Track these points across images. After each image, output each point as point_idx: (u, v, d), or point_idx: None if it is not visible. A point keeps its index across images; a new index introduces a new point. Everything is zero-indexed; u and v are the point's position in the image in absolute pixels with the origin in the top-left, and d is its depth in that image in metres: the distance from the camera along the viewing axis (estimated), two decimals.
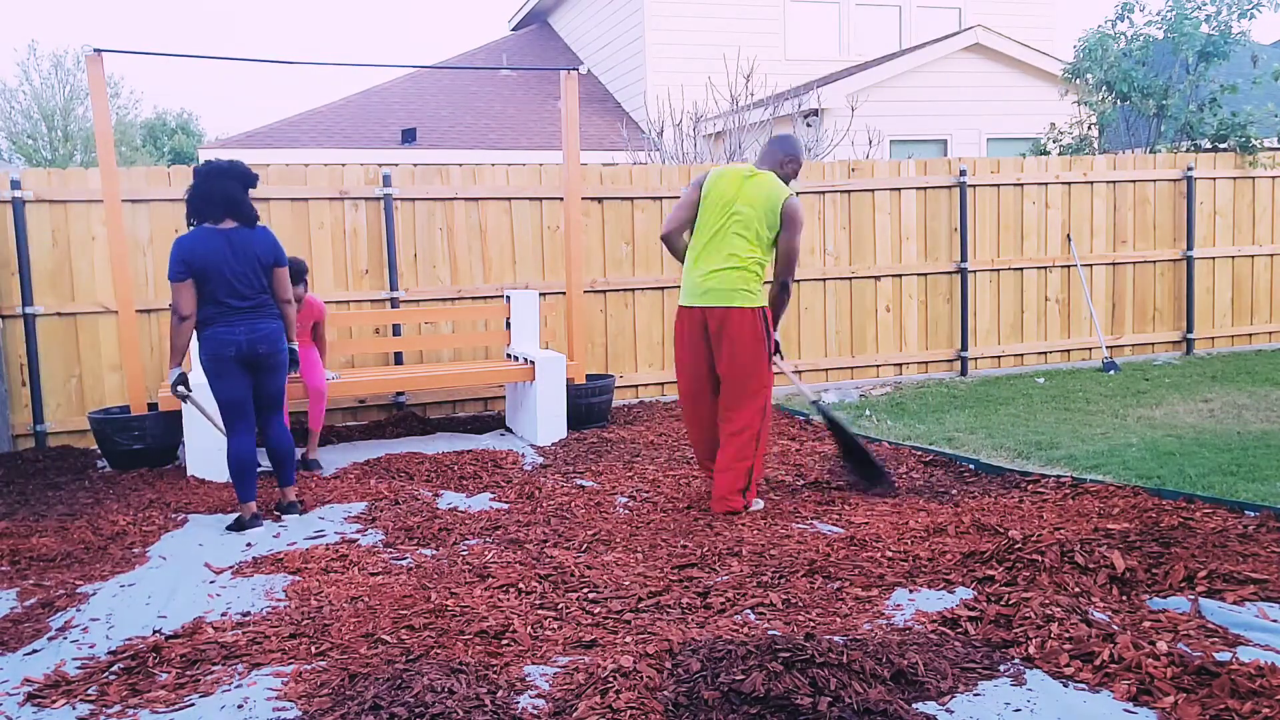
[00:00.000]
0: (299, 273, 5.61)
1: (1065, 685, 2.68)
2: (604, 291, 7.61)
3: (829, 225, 8.17)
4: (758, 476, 4.63)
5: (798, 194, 7.99)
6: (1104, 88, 10.58)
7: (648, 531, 4.29)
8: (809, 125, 11.94)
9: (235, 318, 4.57)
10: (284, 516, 4.76)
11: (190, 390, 4.74)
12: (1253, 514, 4.11)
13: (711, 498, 4.61)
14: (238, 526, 4.60)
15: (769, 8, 14.90)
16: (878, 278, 8.33)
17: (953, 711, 2.56)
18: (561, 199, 7.23)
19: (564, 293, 7.26)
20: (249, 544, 4.36)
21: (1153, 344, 9.21)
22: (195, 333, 4.59)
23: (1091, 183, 8.87)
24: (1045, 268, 8.78)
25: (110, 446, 5.85)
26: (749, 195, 4.54)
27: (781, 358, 4.77)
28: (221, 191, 4.63)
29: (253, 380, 4.67)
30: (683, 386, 4.78)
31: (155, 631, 3.29)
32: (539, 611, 3.34)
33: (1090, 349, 8.95)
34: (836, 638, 2.96)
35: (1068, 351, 8.93)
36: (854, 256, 8.26)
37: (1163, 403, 6.99)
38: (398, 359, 7.10)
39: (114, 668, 2.99)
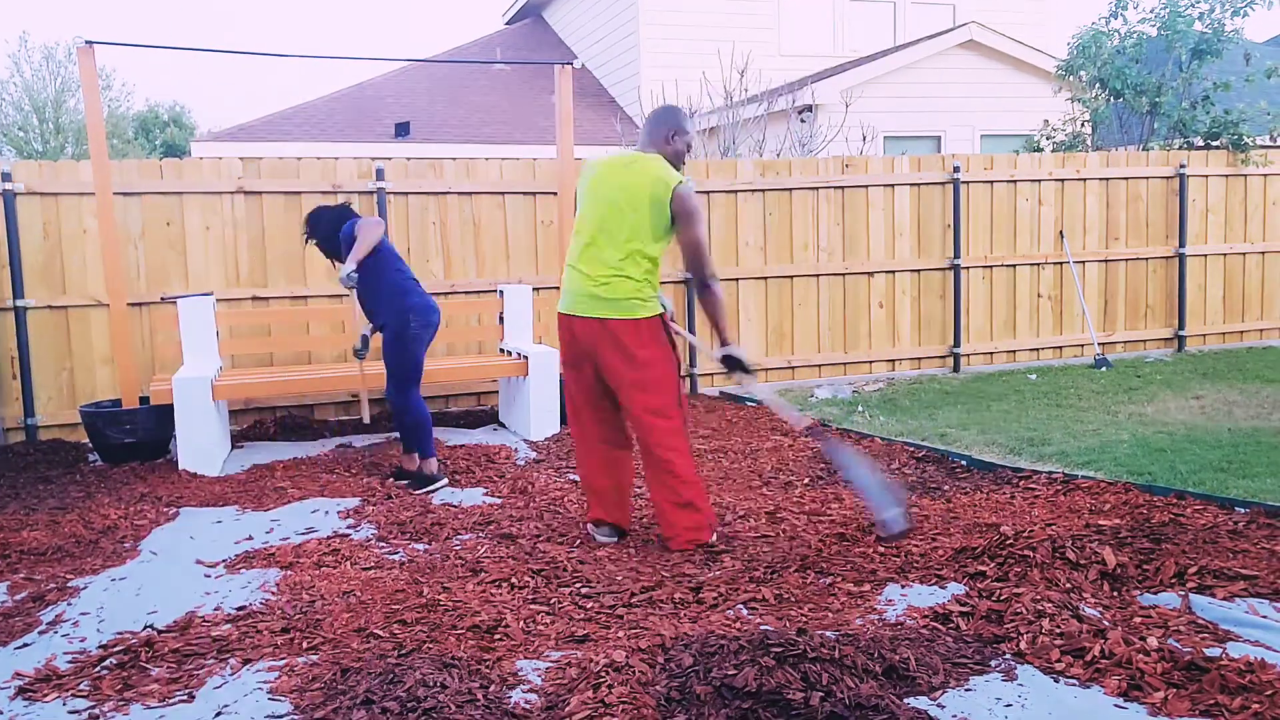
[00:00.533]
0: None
1: (1056, 680, 2.69)
2: None
3: (823, 221, 8.18)
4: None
5: (794, 189, 8.03)
6: (1097, 85, 10.59)
7: (640, 526, 4.29)
8: (803, 121, 11.95)
9: (423, 290, 5.30)
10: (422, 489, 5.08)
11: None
12: (1243, 510, 4.13)
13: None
14: (426, 483, 5.06)
15: (764, 3, 14.90)
16: (871, 274, 8.34)
17: (944, 706, 2.57)
18: (555, 194, 7.22)
19: (558, 288, 7.25)
20: (248, 536, 4.34)
21: (1144, 341, 9.24)
22: (398, 298, 5.11)
23: (1084, 180, 8.89)
24: (1038, 264, 8.80)
25: (101, 440, 5.84)
26: (631, 189, 3.87)
27: (749, 372, 4.03)
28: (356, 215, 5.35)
29: None
30: (571, 408, 4.13)
31: (147, 626, 3.28)
32: (531, 606, 3.34)
33: (1082, 346, 8.98)
34: (828, 633, 2.96)
35: (1060, 348, 8.96)
36: (847, 252, 8.26)
37: (1154, 399, 7.02)
38: None
39: (106, 662, 2.99)
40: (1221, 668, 2.62)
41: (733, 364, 4.00)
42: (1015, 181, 8.69)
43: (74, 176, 6.41)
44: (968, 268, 8.57)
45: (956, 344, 8.57)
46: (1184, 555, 3.52)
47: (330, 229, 5.30)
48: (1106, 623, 2.98)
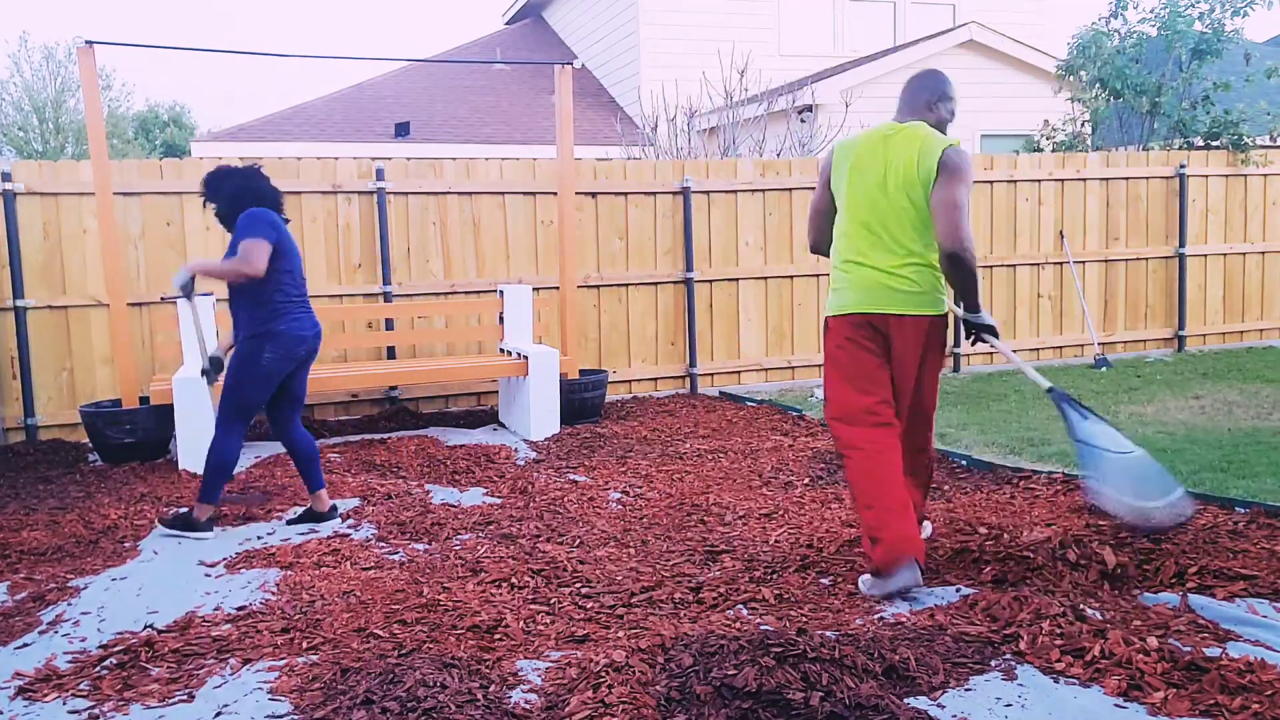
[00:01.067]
0: None
1: (1056, 680, 2.69)
2: (597, 287, 7.61)
3: None
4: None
5: (794, 189, 8.02)
6: (1097, 85, 10.59)
7: (640, 527, 4.29)
8: (803, 121, 11.94)
9: (303, 312, 4.40)
10: (320, 525, 4.48)
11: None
12: (1243, 510, 4.13)
13: (916, 541, 3.42)
14: (187, 526, 4.32)
15: (764, 3, 14.89)
16: None
17: (944, 706, 2.57)
18: (555, 194, 7.22)
19: (557, 288, 7.25)
20: (255, 537, 4.34)
21: (1144, 341, 9.24)
22: (261, 321, 4.30)
23: (1084, 180, 8.89)
24: (1038, 265, 8.80)
25: (101, 440, 5.84)
26: (897, 161, 3.46)
27: (997, 336, 3.68)
28: (270, 190, 4.51)
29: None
30: (856, 408, 3.50)
31: (147, 626, 3.29)
32: (531, 606, 3.34)
33: (1082, 346, 8.98)
34: (828, 633, 2.96)
35: (1060, 348, 8.96)
36: None
37: (1154, 400, 7.02)
38: (390, 353, 7.09)
39: (106, 662, 2.99)
40: (1221, 668, 2.62)
41: (979, 330, 3.66)
42: (1015, 181, 8.69)
43: (74, 176, 6.41)
44: None
45: (956, 344, 8.57)
46: (1184, 555, 3.52)
47: (229, 204, 4.43)
48: (1107, 623, 2.98)
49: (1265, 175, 9.48)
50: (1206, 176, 9.28)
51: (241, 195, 4.42)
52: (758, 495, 4.77)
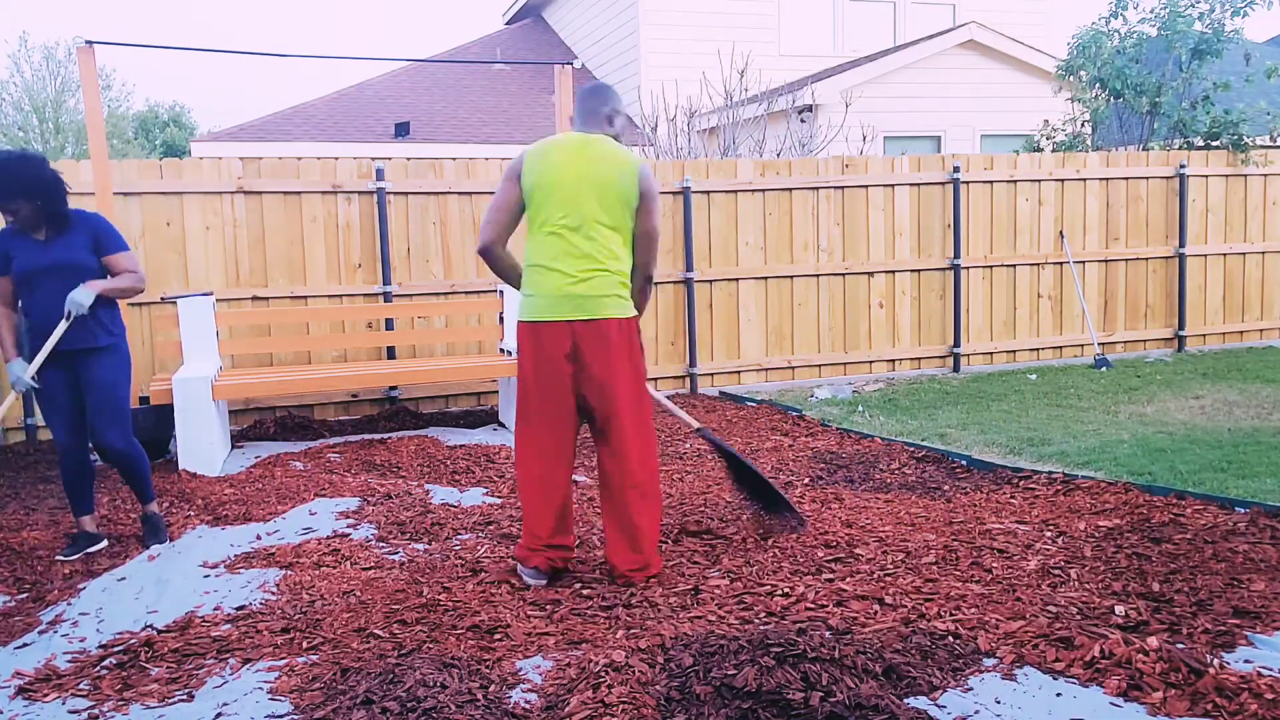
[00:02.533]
0: None
1: (1055, 680, 2.69)
2: None
3: (823, 221, 8.18)
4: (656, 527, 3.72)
5: (794, 189, 8.03)
6: (1097, 85, 10.59)
7: None
8: (803, 121, 11.95)
9: None
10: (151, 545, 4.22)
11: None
12: (1243, 510, 4.13)
13: (617, 565, 3.57)
14: (84, 543, 4.15)
15: (764, 3, 14.90)
16: (871, 274, 8.34)
17: (944, 706, 2.57)
18: None
19: None
20: (255, 537, 4.34)
21: (1144, 341, 9.24)
22: (111, 311, 4.16)
23: (1084, 180, 8.89)
24: (1038, 264, 8.80)
25: None
26: (596, 172, 3.51)
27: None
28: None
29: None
30: (536, 429, 3.58)
31: (147, 626, 3.29)
32: (531, 606, 3.34)
33: (1082, 346, 8.98)
34: (828, 633, 2.96)
35: (1060, 348, 8.96)
36: (847, 252, 8.26)
37: (1154, 399, 7.02)
38: (390, 353, 7.09)
39: (106, 662, 2.99)
40: (1219, 669, 2.62)
41: None
42: (1015, 181, 8.69)
43: (74, 176, 6.40)
44: (968, 268, 8.57)
45: (956, 344, 8.57)
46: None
47: (32, 202, 3.96)
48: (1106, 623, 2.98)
49: (1265, 175, 9.48)
50: (1206, 176, 9.28)
51: (40, 186, 3.96)
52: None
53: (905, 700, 2.57)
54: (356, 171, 7.03)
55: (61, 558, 4.07)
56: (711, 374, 7.96)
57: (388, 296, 7.06)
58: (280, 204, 6.84)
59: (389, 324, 7.05)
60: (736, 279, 7.95)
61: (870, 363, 8.42)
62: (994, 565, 3.57)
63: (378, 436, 6.44)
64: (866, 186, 8.28)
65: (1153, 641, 2.79)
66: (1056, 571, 3.47)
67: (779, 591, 3.39)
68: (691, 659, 2.76)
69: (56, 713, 2.69)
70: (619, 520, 3.58)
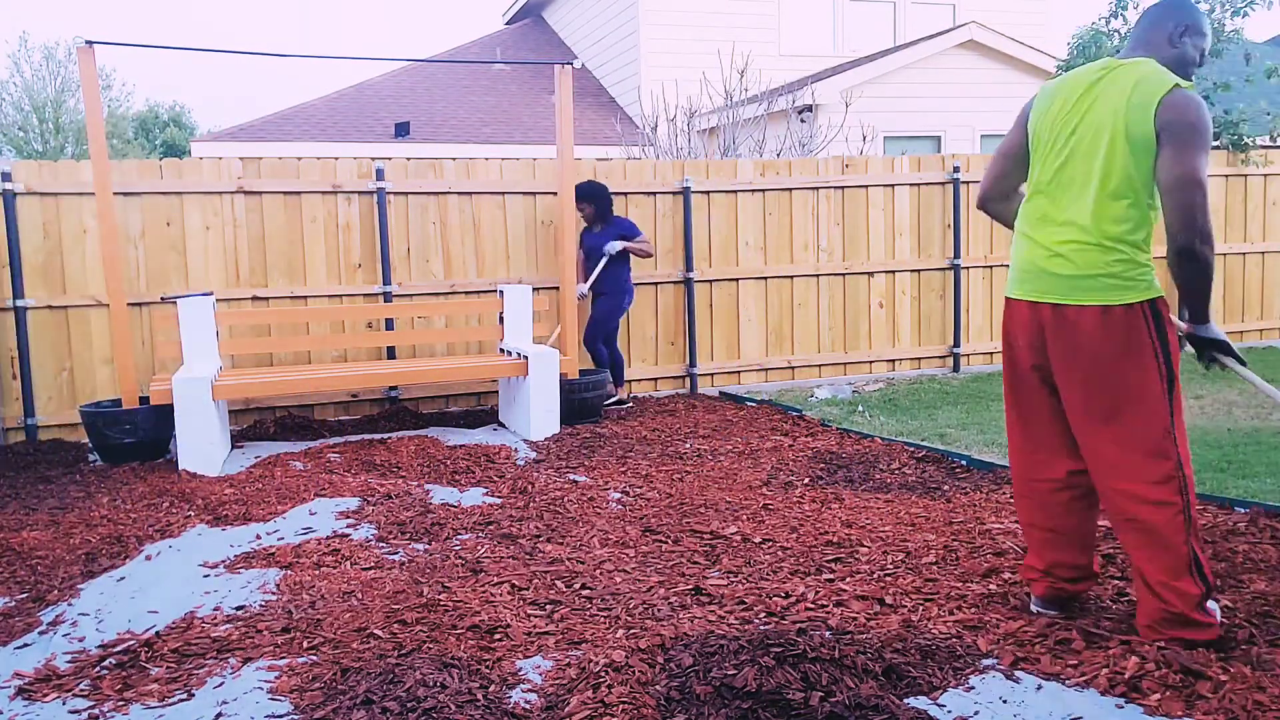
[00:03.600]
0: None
1: (1055, 680, 2.69)
2: None
3: (823, 221, 8.17)
4: (1203, 562, 2.80)
5: (793, 189, 8.03)
6: None
7: (640, 527, 4.29)
8: (803, 121, 11.95)
9: None
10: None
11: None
12: (1243, 510, 4.13)
13: (1143, 620, 2.84)
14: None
15: (764, 3, 14.90)
16: (871, 274, 8.34)
17: (944, 706, 2.57)
18: (555, 194, 7.22)
19: (557, 288, 7.25)
20: (255, 537, 4.35)
21: None
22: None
23: None
24: None
25: (101, 440, 5.84)
26: (1098, 108, 2.77)
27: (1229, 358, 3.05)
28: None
29: None
30: (1012, 425, 3.08)
31: (147, 626, 3.29)
32: (531, 606, 3.34)
33: None
34: (828, 633, 2.96)
35: None
36: (848, 252, 8.26)
37: None
38: (390, 353, 7.09)
39: (105, 662, 2.99)
40: (1218, 669, 2.62)
41: (1203, 344, 3.02)
42: None
43: (74, 176, 6.41)
44: (968, 268, 8.57)
45: (956, 344, 8.57)
46: None
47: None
48: (1106, 625, 2.98)
49: (1265, 175, 9.48)
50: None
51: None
52: (758, 495, 4.77)
53: (905, 700, 2.57)
54: (356, 172, 7.03)
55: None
56: (711, 374, 7.96)
57: (388, 296, 7.06)
58: (280, 204, 6.84)
59: (389, 324, 7.05)
60: (736, 279, 7.95)
61: (870, 363, 8.42)
62: (994, 565, 3.57)
63: (378, 436, 6.44)
64: (866, 186, 8.28)
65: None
66: None
67: (779, 592, 3.39)
68: (691, 659, 2.76)
69: (56, 713, 2.69)
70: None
